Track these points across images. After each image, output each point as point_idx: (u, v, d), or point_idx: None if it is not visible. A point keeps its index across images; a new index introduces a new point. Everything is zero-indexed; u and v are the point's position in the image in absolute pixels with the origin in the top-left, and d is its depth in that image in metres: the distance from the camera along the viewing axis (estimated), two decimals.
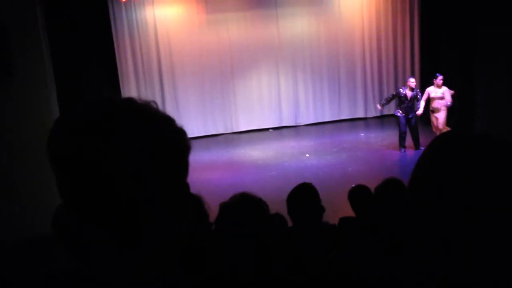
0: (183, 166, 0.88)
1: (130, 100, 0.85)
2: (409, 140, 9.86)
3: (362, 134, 12.12)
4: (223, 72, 13.14)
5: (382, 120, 13.39)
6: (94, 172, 0.78)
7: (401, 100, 9.84)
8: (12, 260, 5.04)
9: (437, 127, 9.74)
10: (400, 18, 13.61)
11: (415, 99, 9.81)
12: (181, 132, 0.88)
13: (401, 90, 9.94)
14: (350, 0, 13.31)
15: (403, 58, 13.87)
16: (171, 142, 0.85)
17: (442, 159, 0.89)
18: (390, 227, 2.16)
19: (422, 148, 9.45)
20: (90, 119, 0.81)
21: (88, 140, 0.79)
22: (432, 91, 9.75)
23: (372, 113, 13.74)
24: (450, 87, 9.83)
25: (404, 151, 9.81)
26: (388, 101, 10.44)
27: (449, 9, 11.02)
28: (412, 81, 9.93)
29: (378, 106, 10.88)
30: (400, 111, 9.80)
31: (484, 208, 0.83)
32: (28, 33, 6.00)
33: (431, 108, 9.86)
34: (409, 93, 9.76)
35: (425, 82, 13.12)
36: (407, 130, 9.82)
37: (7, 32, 5.78)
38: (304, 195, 3.38)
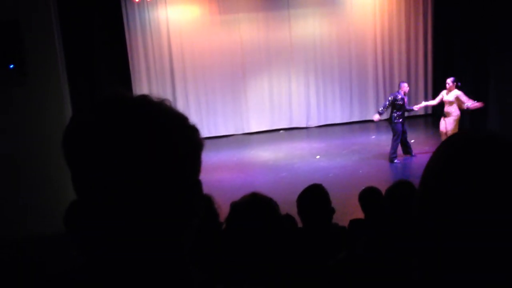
0: (196, 162, 0.88)
1: (145, 97, 0.87)
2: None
3: (373, 137, 12.06)
4: (235, 72, 13.16)
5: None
6: (108, 168, 0.79)
7: (397, 105, 9.47)
8: (26, 257, 5.08)
9: (443, 132, 9.52)
10: (413, 19, 13.52)
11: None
12: (194, 129, 0.89)
13: (397, 95, 9.57)
14: (362, 0, 13.26)
15: (416, 59, 13.78)
16: (184, 138, 0.85)
17: (454, 160, 0.88)
18: (401, 229, 2.15)
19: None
20: (105, 116, 0.82)
21: (103, 136, 0.80)
22: (444, 94, 9.59)
23: (383, 115, 13.66)
24: (464, 88, 9.67)
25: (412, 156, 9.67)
26: (387, 108, 9.78)
27: (462, 9, 10.93)
28: (407, 86, 9.80)
29: (376, 117, 10.02)
30: (401, 119, 9.50)
31: (498, 209, 0.82)
32: (41, 33, 6.05)
33: (444, 112, 9.72)
34: (405, 98, 9.60)
35: (438, 84, 13.04)
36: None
37: (21, 31, 5.84)
38: (314, 196, 3.37)
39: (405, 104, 9.53)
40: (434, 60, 13.45)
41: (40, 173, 6.07)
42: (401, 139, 9.58)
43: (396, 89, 13.69)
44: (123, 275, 0.82)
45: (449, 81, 9.35)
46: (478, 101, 9.16)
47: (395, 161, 9.53)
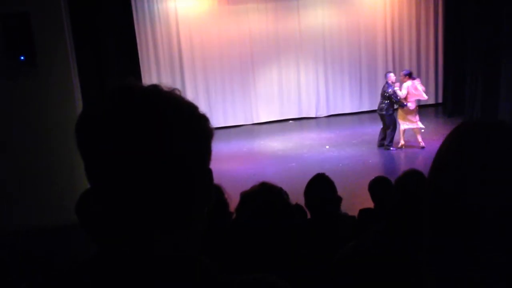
0: (207, 151, 0.89)
1: (155, 86, 0.88)
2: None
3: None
4: (244, 62, 13.13)
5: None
6: (120, 157, 0.80)
7: (390, 97, 9.47)
8: (39, 246, 5.15)
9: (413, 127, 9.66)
10: (423, 9, 13.38)
11: None
12: (204, 118, 0.89)
13: (390, 89, 9.52)
14: None
15: (426, 48, 13.65)
16: (195, 127, 0.86)
17: (466, 147, 0.88)
18: (411, 218, 2.15)
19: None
20: (116, 105, 0.83)
21: (114, 125, 0.81)
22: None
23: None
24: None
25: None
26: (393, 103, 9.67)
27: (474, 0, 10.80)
28: (393, 76, 9.75)
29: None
30: (391, 109, 9.54)
31: (508, 196, 0.82)
32: (51, 24, 6.08)
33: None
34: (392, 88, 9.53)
35: (449, 73, 12.94)
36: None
37: (31, 23, 5.86)
38: (318, 186, 3.38)
39: (393, 95, 9.49)
40: (444, 49, 13.31)
41: (51, 164, 6.12)
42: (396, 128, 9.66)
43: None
44: (135, 263, 0.83)
45: (401, 73, 9.66)
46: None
47: (391, 148, 9.63)
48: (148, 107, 0.83)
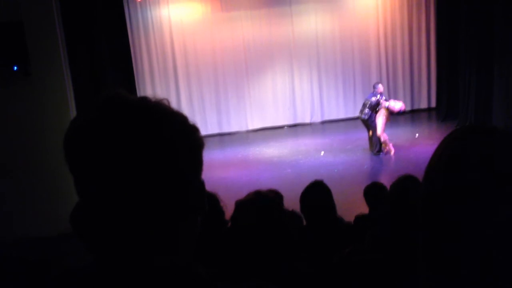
0: (197, 162, 0.88)
1: (144, 98, 0.86)
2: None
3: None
4: (238, 70, 13.15)
5: (396, 117, 13.28)
6: (109, 170, 0.79)
7: (372, 106, 9.56)
8: (34, 256, 5.11)
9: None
10: (415, 14, 13.47)
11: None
12: (193, 129, 0.88)
13: (374, 98, 9.60)
14: None
15: (419, 54, 13.73)
16: (183, 139, 0.85)
17: (459, 152, 0.88)
18: (406, 223, 2.15)
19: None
20: (104, 118, 0.82)
21: (102, 139, 0.80)
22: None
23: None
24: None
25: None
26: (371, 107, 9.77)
27: (466, 3, 10.87)
28: (381, 87, 9.81)
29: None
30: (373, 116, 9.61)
31: (506, 200, 0.82)
32: (45, 34, 6.08)
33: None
34: (381, 98, 9.59)
35: (442, 78, 13.01)
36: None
37: (25, 32, 5.86)
38: (315, 193, 3.38)
39: (381, 104, 9.54)
40: (437, 54, 13.40)
41: (45, 173, 6.10)
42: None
43: (400, 83, 13.75)
44: (129, 272, 0.83)
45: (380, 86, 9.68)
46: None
47: (380, 153, 9.69)
48: (136, 119, 0.82)
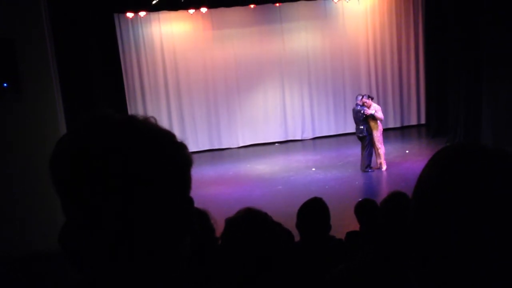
0: (185, 180, 0.87)
1: (129, 117, 0.85)
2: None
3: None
4: (229, 87, 13.21)
5: (387, 133, 13.37)
6: (95, 191, 0.78)
7: (363, 118, 9.58)
8: (23, 275, 5.04)
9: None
10: (404, 32, 13.65)
11: None
12: (181, 146, 0.87)
13: (358, 111, 9.64)
14: (354, 14, 13.38)
15: (408, 71, 13.88)
16: (171, 157, 0.84)
17: (448, 171, 0.88)
18: (397, 240, 2.15)
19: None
20: (88, 140, 0.81)
21: (88, 159, 0.79)
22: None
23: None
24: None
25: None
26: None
27: (454, 22, 11.04)
28: (360, 99, 9.78)
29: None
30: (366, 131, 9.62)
31: (493, 218, 0.83)
32: (36, 50, 6.07)
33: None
34: (363, 109, 9.60)
35: (431, 94, 13.13)
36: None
37: (16, 49, 5.85)
38: (316, 210, 3.37)
39: (364, 113, 9.55)
40: (426, 72, 13.56)
41: (35, 191, 6.04)
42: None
43: (390, 100, 13.85)
44: None
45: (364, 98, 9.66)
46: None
47: (369, 170, 9.67)
48: (123, 138, 0.81)
